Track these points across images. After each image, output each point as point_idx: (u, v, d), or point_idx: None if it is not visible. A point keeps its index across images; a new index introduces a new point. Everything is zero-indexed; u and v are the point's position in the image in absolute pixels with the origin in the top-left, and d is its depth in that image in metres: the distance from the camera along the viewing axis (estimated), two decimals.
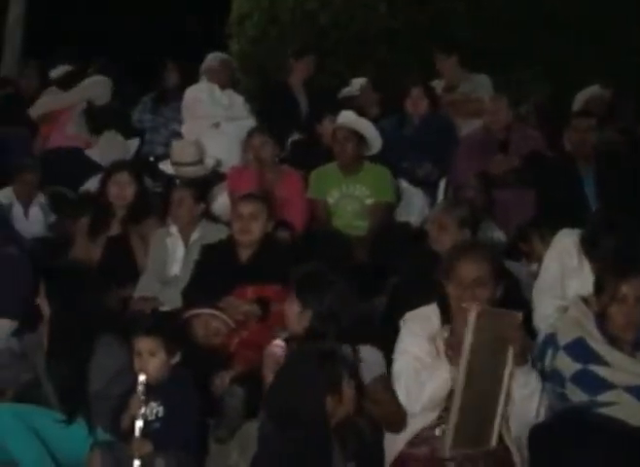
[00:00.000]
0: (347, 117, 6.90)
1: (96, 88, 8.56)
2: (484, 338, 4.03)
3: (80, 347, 4.67)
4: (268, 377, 4.28)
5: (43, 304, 4.84)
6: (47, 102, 8.64)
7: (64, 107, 8.50)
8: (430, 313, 4.35)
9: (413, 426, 4.18)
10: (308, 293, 4.40)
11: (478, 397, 4.05)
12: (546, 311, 4.82)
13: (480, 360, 4.04)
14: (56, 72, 8.78)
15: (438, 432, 4.17)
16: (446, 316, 4.31)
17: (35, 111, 8.64)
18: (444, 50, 8.30)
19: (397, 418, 4.21)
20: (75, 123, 8.40)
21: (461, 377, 4.00)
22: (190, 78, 8.46)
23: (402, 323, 4.40)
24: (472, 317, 4.00)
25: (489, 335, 4.04)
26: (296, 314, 4.42)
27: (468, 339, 3.99)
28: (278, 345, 4.36)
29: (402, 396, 4.20)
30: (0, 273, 5.86)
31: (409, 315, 4.41)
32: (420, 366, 4.20)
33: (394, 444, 4.19)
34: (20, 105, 8.84)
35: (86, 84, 8.60)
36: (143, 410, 4.33)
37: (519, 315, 4.11)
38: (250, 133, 7.13)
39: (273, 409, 4.00)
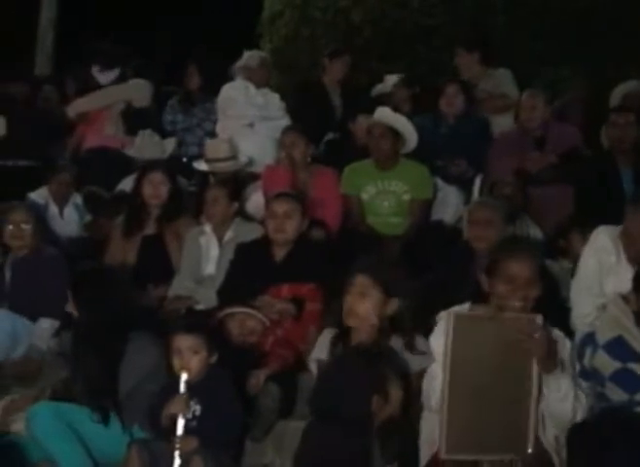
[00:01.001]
0: (383, 113, 6.86)
1: (136, 90, 8.52)
2: (479, 344, 3.95)
3: (108, 348, 4.68)
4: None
5: (71, 306, 4.86)
6: (84, 102, 8.56)
7: (101, 107, 8.48)
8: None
9: None
10: (392, 281, 4.36)
11: (497, 405, 3.96)
12: (584, 310, 4.77)
13: (485, 368, 3.95)
14: (106, 78, 8.67)
15: None
16: None
17: (72, 110, 8.60)
18: (465, 45, 8.22)
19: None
20: (113, 123, 8.38)
21: (445, 390, 3.92)
22: (212, 78, 8.44)
23: (436, 320, 4.35)
24: (450, 324, 3.94)
25: (490, 340, 3.96)
26: (375, 304, 4.36)
27: (448, 346, 3.93)
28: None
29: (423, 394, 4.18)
30: (42, 274, 5.93)
31: (442, 315, 4.35)
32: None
33: (431, 445, 4.14)
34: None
35: (126, 85, 8.56)
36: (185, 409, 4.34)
37: (538, 317, 4.01)
38: (282, 132, 7.13)
39: (317, 405, 3.99)
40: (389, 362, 4.00)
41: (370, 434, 3.84)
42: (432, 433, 4.14)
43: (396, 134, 6.75)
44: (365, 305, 4.39)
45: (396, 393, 3.93)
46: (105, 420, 4.62)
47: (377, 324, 4.38)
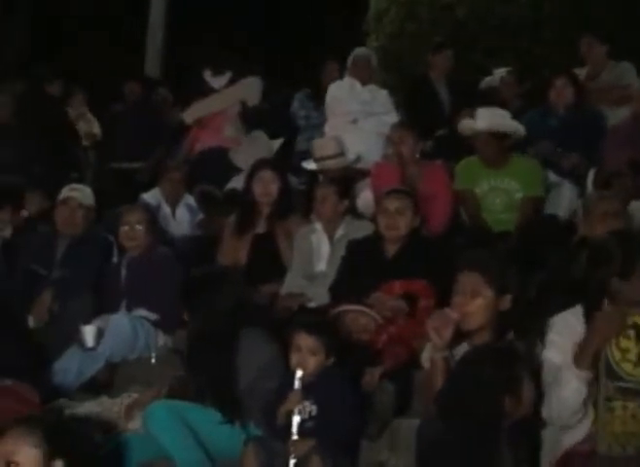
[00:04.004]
0: (483, 120, 6.68)
1: (249, 90, 8.56)
2: None
3: (222, 348, 4.72)
4: None
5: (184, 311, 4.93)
6: (202, 107, 8.58)
7: (220, 109, 8.50)
8: (572, 318, 4.11)
9: (585, 426, 4.03)
10: (503, 276, 4.21)
11: None
12: None
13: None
14: (219, 82, 8.65)
15: None
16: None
17: (191, 115, 8.63)
18: (599, 37, 8.11)
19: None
20: (232, 125, 8.41)
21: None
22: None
23: (548, 328, 4.19)
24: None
25: None
26: (489, 301, 4.17)
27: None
28: None
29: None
30: (154, 273, 6.04)
31: (553, 321, 4.18)
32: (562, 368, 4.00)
33: (561, 441, 4.06)
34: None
35: (239, 86, 8.58)
36: (300, 406, 4.34)
37: None
38: (391, 128, 7.10)
39: (446, 407, 3.88)
40: (520, 361, 3.88)
41: (500, 436, 3.75)
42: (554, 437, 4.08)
43: (500, 135, 6.64)
44: (475, 304, 4.17)
45: (528, 394, 3.81)
46: (230, 421, 4.65)
47: (488, 324, 4.19)
